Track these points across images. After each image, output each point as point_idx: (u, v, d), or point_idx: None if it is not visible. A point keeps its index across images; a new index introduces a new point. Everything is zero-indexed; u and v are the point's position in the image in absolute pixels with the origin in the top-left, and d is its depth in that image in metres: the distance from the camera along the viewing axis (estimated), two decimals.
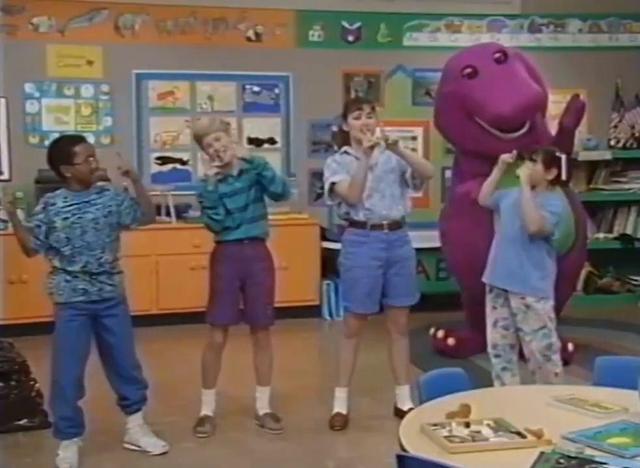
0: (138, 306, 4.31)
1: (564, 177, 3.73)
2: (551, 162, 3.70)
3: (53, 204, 3.38)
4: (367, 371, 4.36)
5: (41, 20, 6.03)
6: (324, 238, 6.16)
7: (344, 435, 3.80)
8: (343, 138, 3.96)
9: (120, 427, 3.58)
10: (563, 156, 3.73)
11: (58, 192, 3.43)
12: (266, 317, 3.84)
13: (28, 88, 6.04)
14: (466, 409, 2.31)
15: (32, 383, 3.91)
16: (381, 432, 3.67)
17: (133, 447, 3.54)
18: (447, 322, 5.30)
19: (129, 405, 3.52)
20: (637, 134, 6.78)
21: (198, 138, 3.72)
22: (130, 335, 3.49)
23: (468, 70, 4.73)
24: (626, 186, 6.69)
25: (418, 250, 5.99)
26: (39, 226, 3.35)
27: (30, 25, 6.01)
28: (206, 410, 3.82)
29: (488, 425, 2.23)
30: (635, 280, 6.72)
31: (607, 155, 6.61)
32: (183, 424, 3.83)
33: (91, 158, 3.36)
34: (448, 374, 2.70)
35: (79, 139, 3.48)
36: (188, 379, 4.15)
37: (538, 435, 2.15)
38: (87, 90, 6.15)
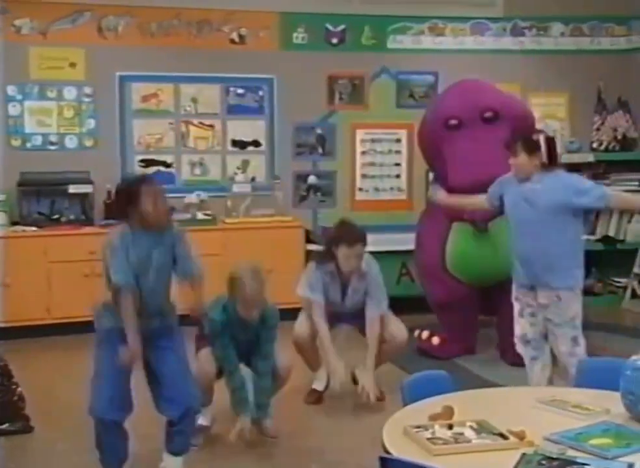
0: None
1: (544, 159, 3.61)
2: (532, 147, 3.60)
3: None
4: None
5: (24, 22, 5.99)
6: (308, 240, 6.16)
7: (332, 438, 3.80)
8: (330, 254, 4.15)
9: None
10: (541, 137, 3.64)
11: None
12: None
13: (11, 90, 5.99)
14: (449, 411, 2.32)
15: (14, 387, 3.88)
16: None
17: None
18: (433, 324, 5.30)
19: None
20: (619, 137, 6.83)
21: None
22: None
23: (453, 122, 4.74)
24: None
25: (402, 252, 6.06)
26: (122, 253, 3.12)
27: (12, 27, 5.97)
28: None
29: (471, 427, 2.24)
30: (618, 282, 6.76)
31: (590, 158, 6.65)
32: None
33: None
34: (432, 377, 2.71)
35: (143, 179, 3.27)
36: None
37: (521, 436, 2.16)
38: (70, 92, 6.11)
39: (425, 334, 5.15)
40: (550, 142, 3.69)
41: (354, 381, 4.36)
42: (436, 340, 5.08)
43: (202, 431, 3.76)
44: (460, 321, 5.04)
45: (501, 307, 4.63)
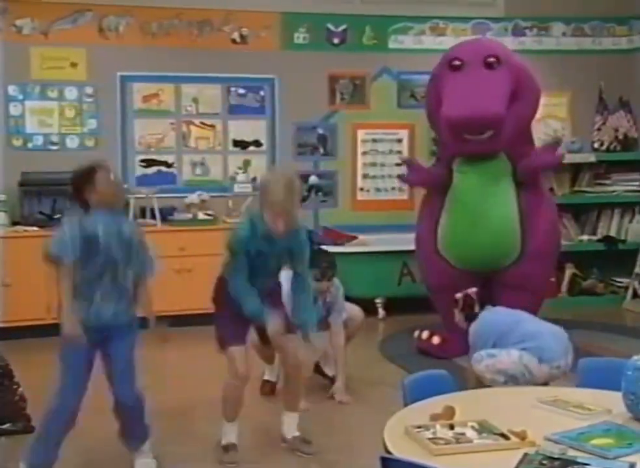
0: None
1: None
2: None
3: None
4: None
5: (25, 22, 5.99)
6: (310, 240, 6.15)
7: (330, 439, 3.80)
8: None
9: None
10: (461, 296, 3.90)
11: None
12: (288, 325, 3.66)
13: (12, 90, 6.00)
14: (450, 411, 2.32)
15: (15, 387, 3.88)
16: None
17: None
18: (433, 324, 5.29)
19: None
20: (620, 137, 6.83)
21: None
22: None
23: (456, 62, 4.76)
24: (610, 189, 6.73)
25: (403, 252, 6.05)
26: (73, 228, 3.20)
27: (13, 27, 5.97)
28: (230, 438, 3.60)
29: (472, 427, 2.23)
30: (619, 282, 6.76)
31: (591, 158, 6.65)
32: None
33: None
34: (433, 376, 2.71)
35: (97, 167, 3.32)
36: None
37: (522, 436, 2.15)
38: (71, 92, 6.12)
39: (425, 334, 5.13)
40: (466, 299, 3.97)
41: (318, 371, 4.50)
42: (436, 339, 5.05)
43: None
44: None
45: (499, 298, 4.56)
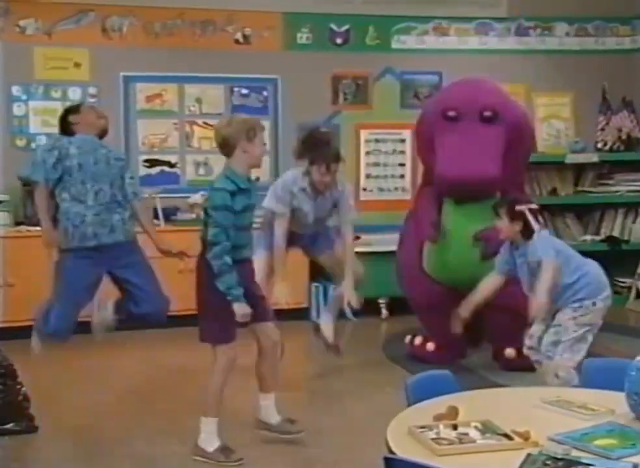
0: None
1: (534, 227, 3.75)
2: (513, 215, 3.74)
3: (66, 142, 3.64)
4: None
5: (28, 22, 6.00)
6: None
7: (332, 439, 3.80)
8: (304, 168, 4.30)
9: None
10: (525, 209, 3.74)
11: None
12: (271, 313, 3.69)
13: (15, 90, 6.01)
14: (453, 411, 2.31)
15: (18, 387, 3.88)
16: None
17: None
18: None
19: None
20: (623, 137, 6.82)
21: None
22: None
23: (452, 113, 4.60)
24: (613, 189, 6.73)
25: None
26: (51, 150, 3.52)
27: (16, 27, 5.99)
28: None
29: (476, 427, 2.23)
30: (623, 282, 6.75)
31: (594, 158, 6.65)
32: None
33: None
34: (436, 376, 2.70)
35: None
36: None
37: (525, 436, 2.15)
38: (74, 93, 6.12)
39: (419, 340, 4.96)
40: (536, 213, 3.79)
41: (318, 335, 4.63)
42: (431, 346, 4.88)
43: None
44: (442, 325, 4.67)
45: (489, 315, 4.45)
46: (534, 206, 3.82)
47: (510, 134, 4.57)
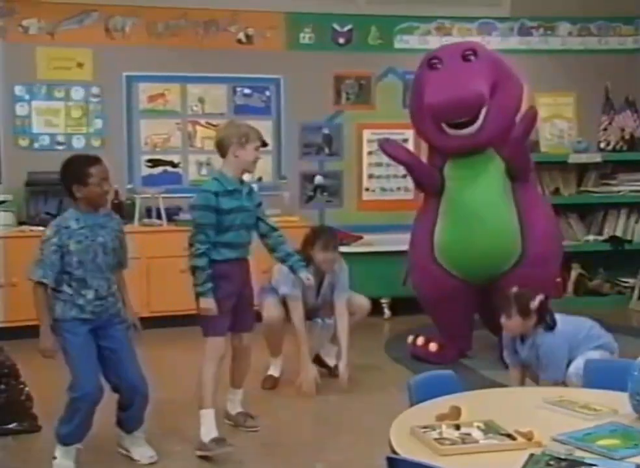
0: None
1: (548, 320, 3.62)
2: (526, 310, 3.57)
3: (67, 227, 3.26)
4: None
5: (31, 22, 6.01)
6: None
7: (330, 438, 3.80)
8: (307, 257, 4.31)
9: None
10: (537, 301, 3.60)
11: (67, 214, 3.32)
12: (253, 323, 3.85)
13: (18, 90, 6.02)
14: (456, 412, 2.32)
15: (21, 387, 3.89)
16: None
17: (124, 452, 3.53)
18: (426, 326, 5.21)
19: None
20: (626, 137, 6.80)
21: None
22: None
23: (434, 61, 4.74)
24: (616, 189, 6.72)
25: (404, 252, 6.04)
26: (55, 251, 3.25)
27: (19, 27, 5.99)
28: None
29: (478, 427, 2.23)
30: (625, 282, 6.74)
31: (597, 158, 6.63)
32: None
33: (104, 181, 3.29)
34: (439, 376, 2.71)
35: (94, 160, 3.35)
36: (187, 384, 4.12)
37: (528, 437, 2.15)
38: (77, 93, 6.13)
39: (421, 340, 4.96)
40: (544, 304, 3.65)
41: (320, 363, 4.60)
42: (433, 346, 4.88)
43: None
44: (451, 319, 4.88)
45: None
46: (542, 296, 3.64)
47: (493, 70, 4.61)
